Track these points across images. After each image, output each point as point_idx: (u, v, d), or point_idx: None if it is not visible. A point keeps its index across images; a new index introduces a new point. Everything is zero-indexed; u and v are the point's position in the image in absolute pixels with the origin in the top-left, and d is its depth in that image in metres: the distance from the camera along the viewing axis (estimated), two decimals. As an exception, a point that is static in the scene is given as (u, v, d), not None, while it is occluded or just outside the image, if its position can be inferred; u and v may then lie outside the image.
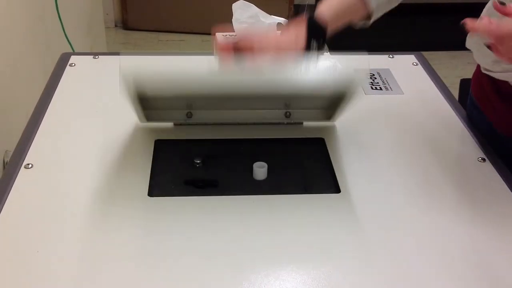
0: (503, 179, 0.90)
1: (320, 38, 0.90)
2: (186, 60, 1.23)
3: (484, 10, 0.96)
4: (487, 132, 1.00)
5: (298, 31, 0.89)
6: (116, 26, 3.23)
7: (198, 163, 0.92)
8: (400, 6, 0.96)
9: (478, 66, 1.03)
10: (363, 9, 0.93)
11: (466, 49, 1.01)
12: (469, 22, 0.73)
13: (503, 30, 0.72)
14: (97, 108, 1.05)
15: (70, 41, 1.79)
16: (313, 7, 0.91)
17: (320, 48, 0.90)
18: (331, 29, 0.91)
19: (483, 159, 0.94)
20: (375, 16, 0.94)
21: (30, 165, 0.89)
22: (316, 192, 0.88)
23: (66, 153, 0.93)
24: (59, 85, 1.11)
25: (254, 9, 1.02)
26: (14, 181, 0.86)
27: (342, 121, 1.03)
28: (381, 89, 1.14)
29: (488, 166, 0.92)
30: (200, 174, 0.90)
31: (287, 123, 1.01)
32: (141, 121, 0.98)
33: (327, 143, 0.98)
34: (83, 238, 0.77)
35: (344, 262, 0.74)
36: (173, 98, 0.93)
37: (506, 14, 0.73)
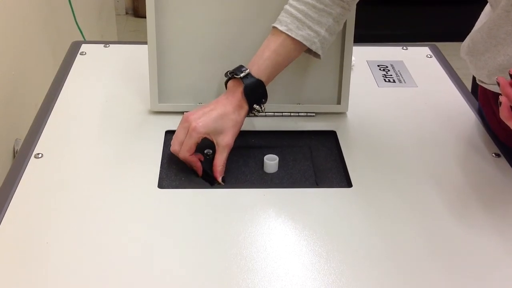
0: (518, 176, 0.88)
1: (261, 101, 0.90)
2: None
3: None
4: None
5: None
6: (126, 13, 3.22)
7: (208, 155, 0.91)
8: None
9: None
10: (300, 49, 0.90)
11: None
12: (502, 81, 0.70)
13: None
14: (107, 98, 1.04)
15: (81, 28, 1.78)
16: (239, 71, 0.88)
17: (262, 107, 0.90)
18: (269, 81, 0.90)
19: (498, 155, 0.92)
20: (323, 51, 0.91)
21: (40, 155, 0.89)
22: (327, 186, 0.87)
23: (76, 143, 0.93)
24: (69, 74, 1.11)
25: None
26: (23, 171, 0.86)
27: (355, 113, 1.02)
28: (394, 81, 1.12)
29: (502, 162, 0.91)
30: (210, 165, 0.90)
31: (299, 115, 1.00)
32: (153, 106, 0.98)
33: (339, 136, 0.97)
34: (92, 229, 0.76)
35: (355, 258, 0.73)
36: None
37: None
